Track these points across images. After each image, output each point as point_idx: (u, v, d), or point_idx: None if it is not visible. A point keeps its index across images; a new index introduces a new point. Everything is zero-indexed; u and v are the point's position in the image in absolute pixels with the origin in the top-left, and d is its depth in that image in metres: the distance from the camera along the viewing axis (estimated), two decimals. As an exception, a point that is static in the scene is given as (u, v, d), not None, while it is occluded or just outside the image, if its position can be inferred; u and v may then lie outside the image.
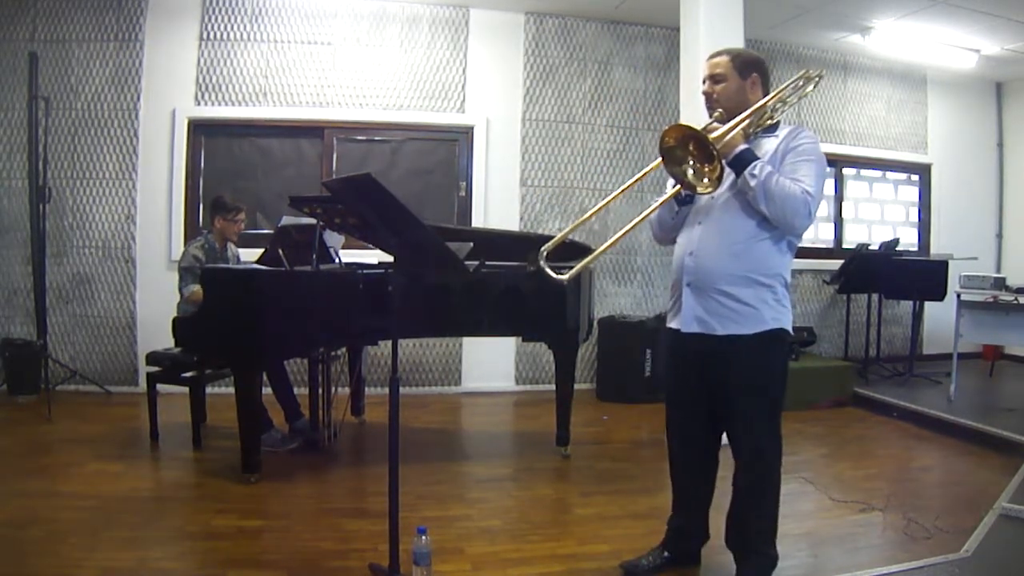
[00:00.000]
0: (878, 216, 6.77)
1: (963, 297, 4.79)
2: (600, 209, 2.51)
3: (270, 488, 3.23)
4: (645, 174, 2.37)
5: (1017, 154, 7.01)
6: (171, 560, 2.54)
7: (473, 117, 5.46)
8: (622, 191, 2.41)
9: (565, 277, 2.27)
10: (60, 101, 4.95)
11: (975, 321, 4.77)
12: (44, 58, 4.85)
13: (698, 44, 3.95)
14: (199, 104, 5.12)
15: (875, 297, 6.04)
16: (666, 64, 5.78)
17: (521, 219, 5.53)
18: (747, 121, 2.17)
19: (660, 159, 2.11)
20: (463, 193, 5.53)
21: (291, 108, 5.23)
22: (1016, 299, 4.53)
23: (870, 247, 6.06)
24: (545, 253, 2.25)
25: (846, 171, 6.56)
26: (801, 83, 2.32)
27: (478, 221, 5.44)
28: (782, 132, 2.27)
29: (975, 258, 6.11)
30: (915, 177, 6.88)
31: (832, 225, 6.58)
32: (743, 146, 2.15)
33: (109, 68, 5.02)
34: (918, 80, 6.71)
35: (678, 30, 4.29)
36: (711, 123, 2.22)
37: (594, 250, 4.00)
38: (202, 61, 5.11)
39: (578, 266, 2.34)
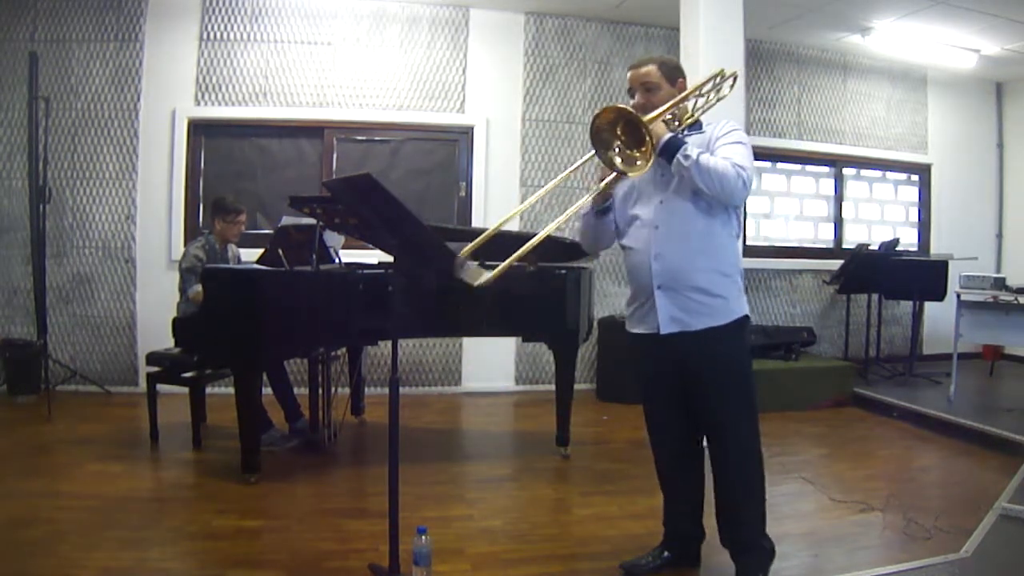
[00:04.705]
0: (878, 216, 6.77)
1: (963, 297, 4.79)
2: (526, 206, 2.47)
3: (270, 488, 3.23)
4: (577, 167, 2.42)
5: (1017, 154, 7.01)
6: (171, 560, 2.55)
7: (473, 117, 5.46)
8: (552, 185, 2.43)
9: (484, 280, 2.15)
10: (60, 101, 4.95)
11: (975, 321, 4.77)
12: (44, 58, 4.85)
13: (698, 44, 3.95)
14: (199, 104, 5.12)
15: (875, 297, 6.03)
16: (666, 64, 5.77)
17: (521, 219, 5.51)
18: (671, 109, 2.23)
19: (593, 152, 2.14)
20: (463, 193, 5.53)
21: (291, 108, 5.23)
22: (1016, 299, 4.53)
23: (870, 247, 6.06)
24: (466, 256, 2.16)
25: (846, 171, 6.56)
26: (718, 81, 2.38)
27: (478, 221, 5.43)
28: (707, 128, 2.34)
29: (975, 258, 6.11)
30: (915, 177, 6.88)
31: (832, 225, 6.58)
32: (669, 134, 2.20)
33: (109, 68, 5.02)
34: (918, 80, 6.71)
35: (678, 30, 4.29)
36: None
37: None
38: (202, 61, 5.11)
39: (497, 270, 2.19)
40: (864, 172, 6.67)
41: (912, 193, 6.91)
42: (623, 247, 2.43)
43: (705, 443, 2.42)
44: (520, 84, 5.56)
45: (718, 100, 2.42)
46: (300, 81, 5.23)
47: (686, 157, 2.14)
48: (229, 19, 5.15)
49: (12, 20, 4.92)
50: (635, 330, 2.42)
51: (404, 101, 5.37)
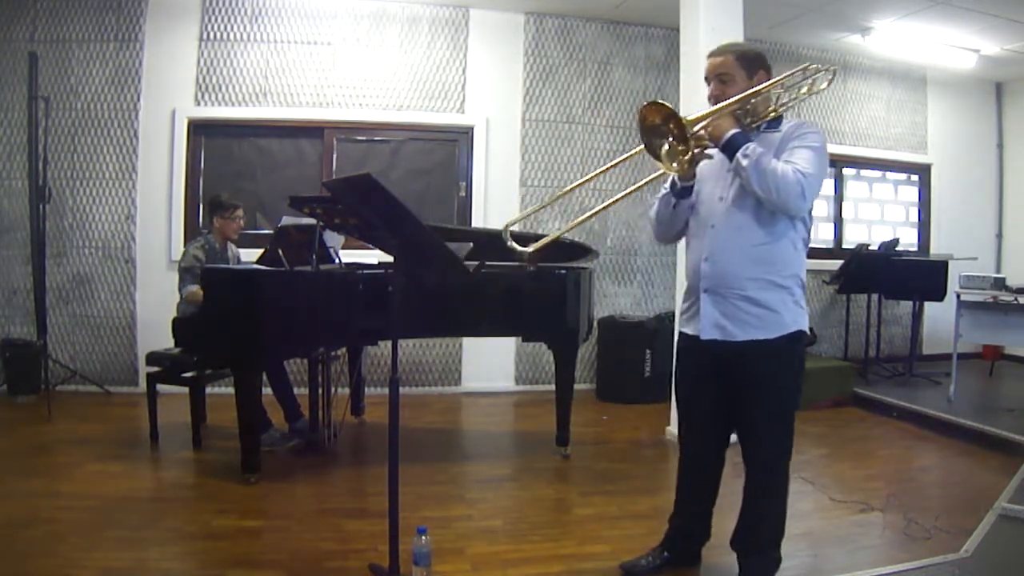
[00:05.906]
0: (878, 216, 6.77)
1: (963, 297, 4.79)
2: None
3: (270, 488, 3.23)
4: (626, 158, 2.36)
5: (1017, 154, 7.01)
6: (171, 560, 2.55)
7: (473, 117, 5.46)
8: (602, 171, 2.49)
9: (529, 249, 2.33)
10: (60, 101, 4.94)
11: (975, 321, 4.77)
12: (44, 58, 4.84)
13: (698, 44, 3.94)
14: (199, 104, 5.11)
15: (875, 297, 6.04)
16: (666, 64, 5.78)
17: (523, 222, 5.52)
18: (736, 105, 2.13)
19: (642, 145, 2.08)
20: (463, 193, 5.53)
21: (291, 108, 5.23)
22: (1016, 299, 4.53)
23: (870, 247, 6.06)
24: (509, 231, 2.41)
25: (846, 171, 6.56)
26: (809, 75, 2.26)
27: (478, 221, 5.43)
28: (785, 127, 2.23)
29: (975, 258, 6.12)
30: (915, 177, 6.88)
31: (832, 225, 6.58)
32: (734, 130, 2.11)
33: (109, 68, 5.02)
34: (918, 80, 6.71)
35: (678, 30, 4.29)
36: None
37: (590, 247, 4.03)
38: (202, 61, 5.11)
39: (545, 239, 2.41)
40: (864, 172, 6.67)
41: (912, 193, 6.91)
42: (686, 241, 2.37)
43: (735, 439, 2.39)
44: (520, 84, 5.56)
45: (810, 95, 2.29)
46: (300, 81, 5.23)
47: (745, 157, 2.05)
48: (229, 19, 5.14)
49: (12, 20, 4.92)
50: (683, 329, 2.39)
51: (404, 101, 5.37)
